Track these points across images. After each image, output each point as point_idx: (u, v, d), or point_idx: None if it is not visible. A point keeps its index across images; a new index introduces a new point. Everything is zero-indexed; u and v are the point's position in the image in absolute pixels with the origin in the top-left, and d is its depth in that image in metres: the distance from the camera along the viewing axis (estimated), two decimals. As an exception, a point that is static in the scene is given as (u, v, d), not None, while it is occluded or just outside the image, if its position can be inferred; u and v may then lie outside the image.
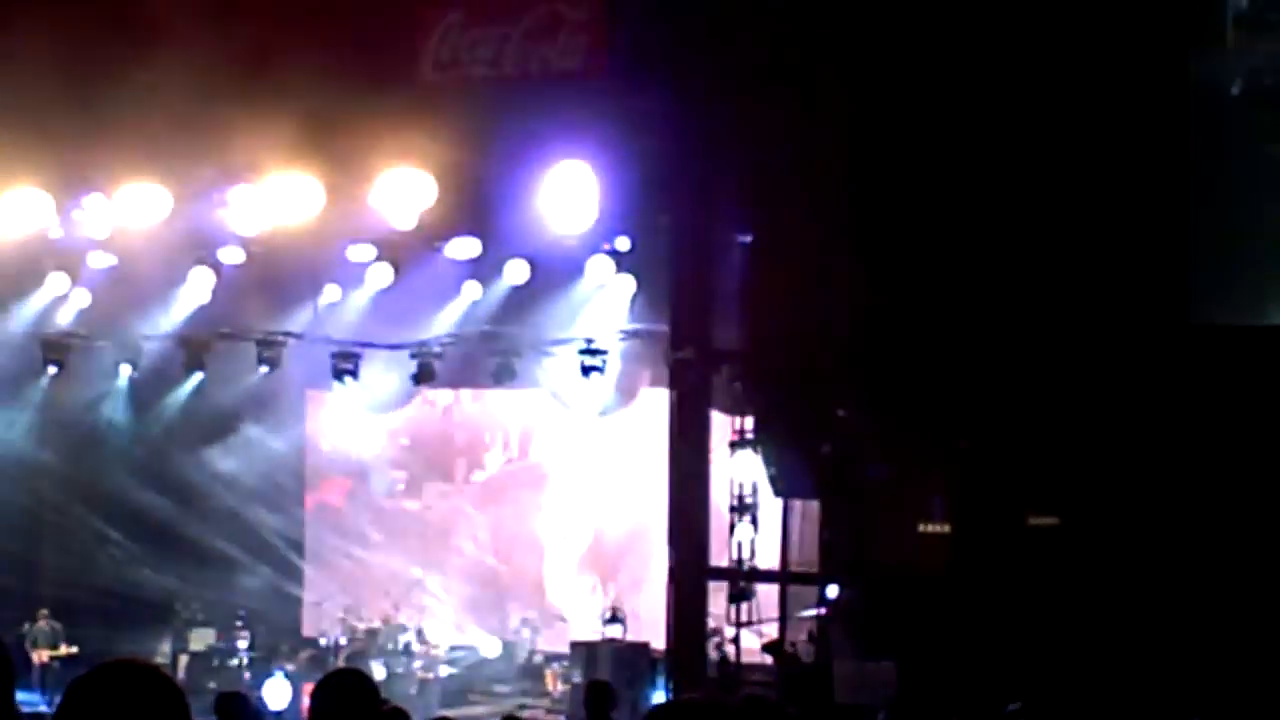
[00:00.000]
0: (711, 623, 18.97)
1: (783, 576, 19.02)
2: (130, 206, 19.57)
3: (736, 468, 17.91)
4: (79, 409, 24.37)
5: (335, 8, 19.27)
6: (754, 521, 17.89)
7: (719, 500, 18.14)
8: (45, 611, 22.96)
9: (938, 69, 15.28)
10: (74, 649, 22.66)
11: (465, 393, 24.87)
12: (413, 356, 22.01)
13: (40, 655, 22.50)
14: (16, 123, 18.88)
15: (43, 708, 17.79)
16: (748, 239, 16.85)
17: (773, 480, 17.30)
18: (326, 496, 26.46)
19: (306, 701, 17.62)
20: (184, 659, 23.66)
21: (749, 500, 17.83)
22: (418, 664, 22.68)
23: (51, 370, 22.85)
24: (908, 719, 14.37)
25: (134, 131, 18.78)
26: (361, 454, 26.34)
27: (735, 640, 18.21)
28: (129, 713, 3.34)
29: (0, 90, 18.67)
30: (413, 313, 21.94)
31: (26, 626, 23.10)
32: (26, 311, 22.52)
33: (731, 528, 17.94)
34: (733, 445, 17.92)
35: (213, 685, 21.68)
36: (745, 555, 17.98)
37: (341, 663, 22.25)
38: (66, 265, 21.64)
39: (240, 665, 23.14)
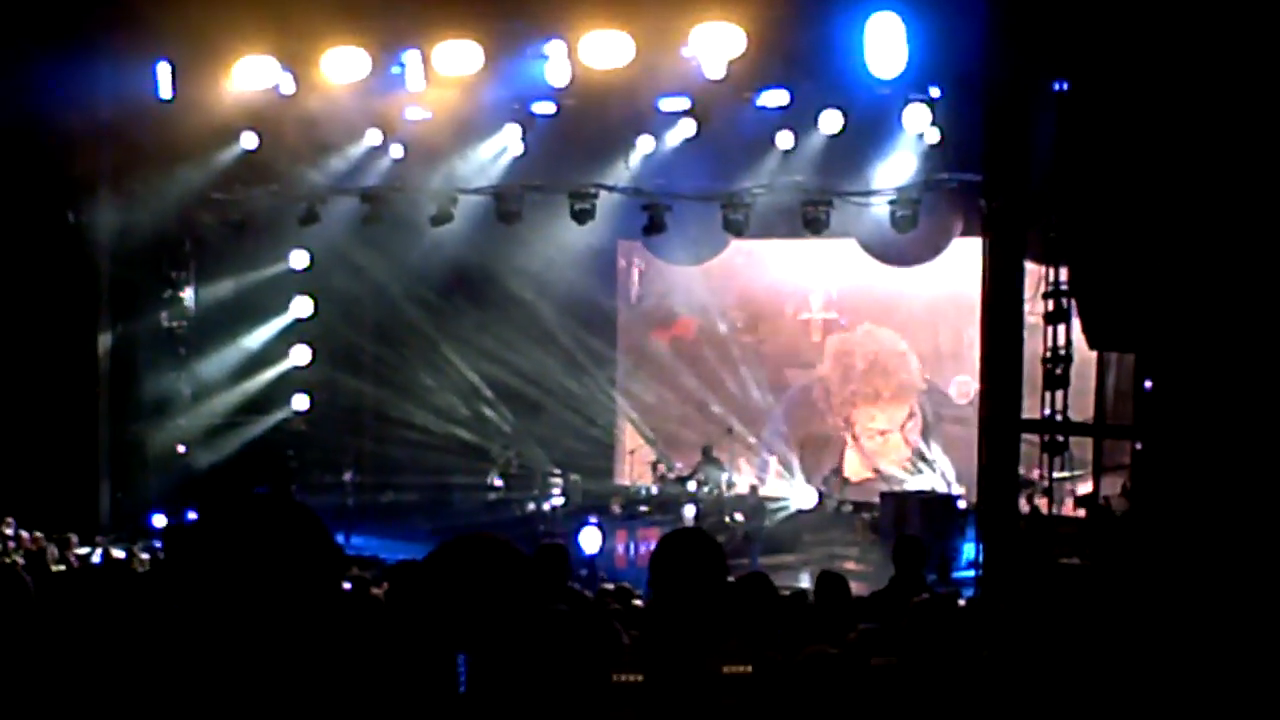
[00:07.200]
0: (1023, 476, 19.41)
1: (1097, 429, 19.29)
2: (445, 62, 20.54)
3: (1050, 319, 18.12)
4: (393, 261, 25.61)
5: None
6: (1067, 373, 18.12)
7: (1032, 351, 18.43)
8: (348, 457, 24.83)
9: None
10: (390, 497, 24.43)
11: (776, 243, 25.33)
12: (723, 207, 22.56)
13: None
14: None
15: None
16: (1063, 86, 16.91)
17: (1088, 331, 17.35)
18: (639, 347, 27.56)
19: (620, 549, 18.92)
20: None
21: (1062, 351, 18.09)
22: (728, 514, 23.44)
23: (367, 223, 23.97)
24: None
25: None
26: (673, 305, 27.30)
27: (1048, 494, 18.36)
28: (483, 580, 3.66)
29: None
30: (723, 164, 22.52)
31: (347, 475, 24.90)
32: (344, 166, 23.79)
33: (1045, 379, 18.14)
34: (1046, 296, 18.00)
35: (527, 531, 23.08)
36: (1059, 408, 18.22)
37: (653, 512, 23.48)
38: (383, 121, 22.95)
39: (554, 513, 24.33)
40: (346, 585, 11.14)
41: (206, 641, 3.12)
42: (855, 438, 26.24)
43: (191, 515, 20.52)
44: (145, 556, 18.39)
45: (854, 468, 26.11)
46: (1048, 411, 18.13)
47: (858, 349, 26.26)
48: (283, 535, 3.19)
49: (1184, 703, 7.24)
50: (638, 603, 12.18)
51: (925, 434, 25.31)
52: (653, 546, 5.29)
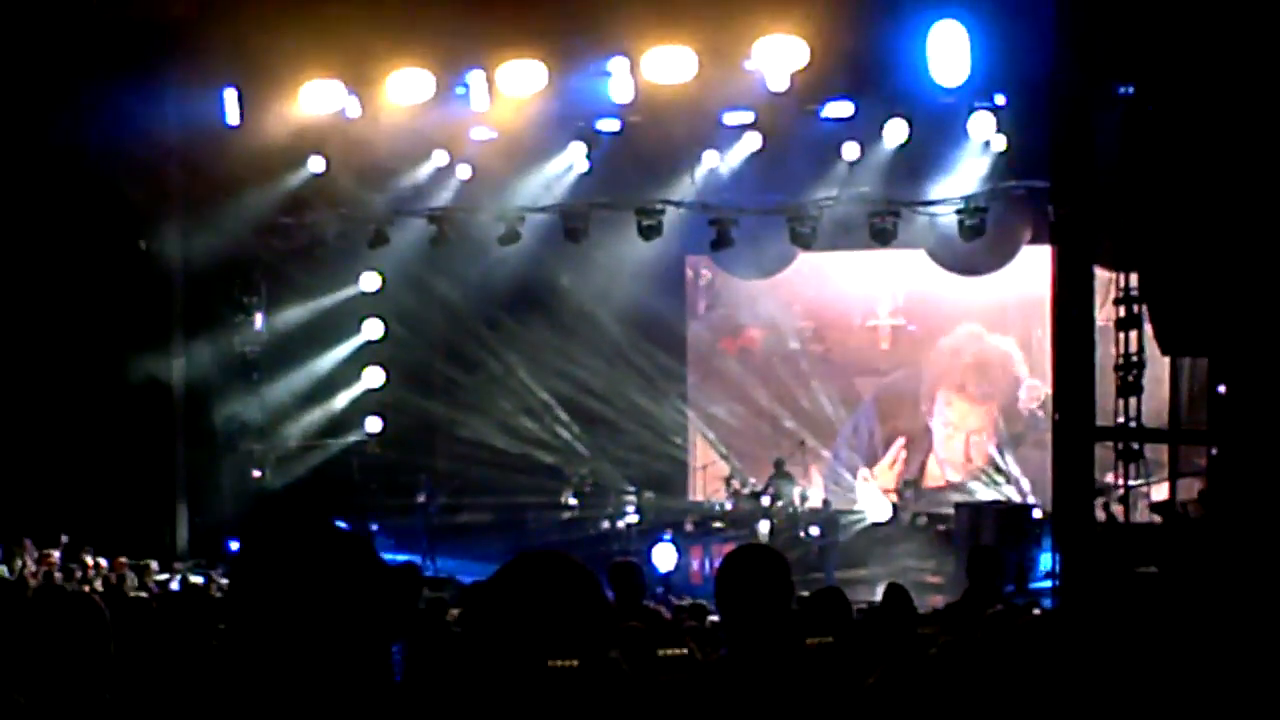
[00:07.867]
0: (1098, 483, 19.23)
1: (1172, 435, 19.10)
2: (509, 81, 20.67)
3: (1122, 325, 18.05)
4: (462, 281, 25.78)
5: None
6: (1140, 379, 18.03)
7: (1104, 358, 18.30)
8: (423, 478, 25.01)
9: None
10: (465, 517, 24.54)
11: (842, 254, 25.27)
12: (790, 220, 22.60)
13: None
14: (401, 5, 20.33)
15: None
16: (1129, 90, 16.80)
17: (1160, 336, 17.22)
18: (708, 361, 27.52)
19: (695, 566, 18.96)
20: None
21: (1135, 357, 18.02)
22: (802, 529, 23.41)
23: (435, 244, 24.05)
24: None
25: (513, 6, 20.05)
26: (740, 319, 27.34)
27: (1123, 501, 18.25)
28: (553, 597, 3.65)
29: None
30: (789, 176, 22.59)
31: (421, 497, 24.99)
32: (412, 187, 24.04)
33: (1118, 386, 18.04)
34: (1117, 302, 17.98)
35: (602, 550, 23.11)
36: (1132, 414, 18.10)
37: (727, 528, 23.47)
38: (448, 142, 23.14)
39: (629, 530, 24.36)
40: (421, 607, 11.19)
41: (260, 668, 3.16)
42: (933, 427, 26.21)
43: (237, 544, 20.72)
44: (224, 582, 18.54)
45: (933, 471, 26.04)
46: (1121, 419, 18.01)
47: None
48: (326, 563, 3.21)
49: (1262, 713, 7.21)
50: (713, 619, 12.19)
51: (1001, 448, 25.19)
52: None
